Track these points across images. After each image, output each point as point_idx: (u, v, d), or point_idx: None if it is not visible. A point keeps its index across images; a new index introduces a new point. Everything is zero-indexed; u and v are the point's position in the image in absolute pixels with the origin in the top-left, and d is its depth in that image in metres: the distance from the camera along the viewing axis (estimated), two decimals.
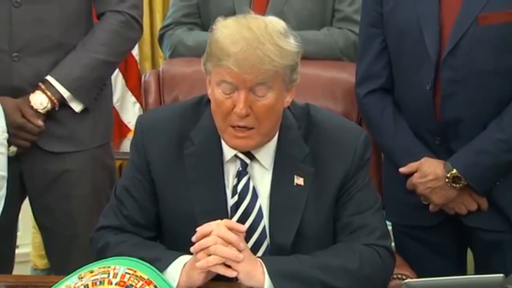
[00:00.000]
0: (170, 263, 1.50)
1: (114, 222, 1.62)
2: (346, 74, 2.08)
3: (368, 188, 1.62)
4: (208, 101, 1.60)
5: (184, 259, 1.51)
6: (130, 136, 3.12)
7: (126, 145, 3.10)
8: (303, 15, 2.19)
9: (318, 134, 1.60)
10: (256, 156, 1.58)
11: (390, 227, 2.03)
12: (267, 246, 1.57)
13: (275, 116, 1.54)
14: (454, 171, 1.82)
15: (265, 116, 1.51)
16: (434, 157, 1.87)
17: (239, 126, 1.51)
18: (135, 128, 1.67)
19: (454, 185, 1.83)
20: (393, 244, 2.02)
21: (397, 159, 1.91)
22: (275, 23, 1.53)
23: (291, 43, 1.52)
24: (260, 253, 1.56)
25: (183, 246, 1.53)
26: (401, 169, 1.90)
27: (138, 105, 3.18)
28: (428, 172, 1.85)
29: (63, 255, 2.06)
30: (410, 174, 1.89)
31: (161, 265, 1.48)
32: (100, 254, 1.57)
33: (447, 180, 1.83)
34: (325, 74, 2.12)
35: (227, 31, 1.50)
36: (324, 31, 2.21)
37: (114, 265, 1.41)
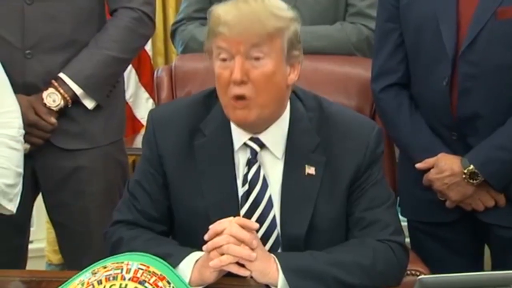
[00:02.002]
0: (182, 259, 1.50)
1: (127, 216, 1.62)
2: (359, 69, 2.07)
3: (382, 183, 1.61)
4: None
5: (196, 255, 1.51)
6: (143, 131, 3.13)
7: (139, 141, 3.09)
8: (316, 10, 2.18)
9: (331, 126, 1.60)
10: (266, 144, 1.58)
11: (405, 223, 2.03)
12: (277, 237, 1.57)
13: (274, 87, 1.53)
14: (471, 167, 1.81)
15: (263, 85, 1.51)
16: (451, 153, 1.86)
17: (237, 96, 1.51)
18: (147, 123, 1.68)
19: (471, 181, 1.82)
20: (407, 240, 2.01)
21: (414, 155, 1.90)
22: (273, 0, 1.56)
23: (286, 11, 1.55)
24: (269, 244, 1.56)
25: (195, 239, 1.53)
26: (418, 165, 1.88)
27: (151, 100, 3.18)
28: (445, 168, 1.83)
29: (77, 251, 2.07)
30: (427, 170, 1.87)
31: (173, 261, 1.48)
32: (114, 248, 1.58)
33: (464, 176, 1.82)
34: (339, 69, 2.11)
35: (223, 6, 1.54)
36: (337, 26, 2.20)
37: (128, 260, 1.41)
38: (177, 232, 1.65)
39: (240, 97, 1.51)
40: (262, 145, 1.59)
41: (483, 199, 1.84)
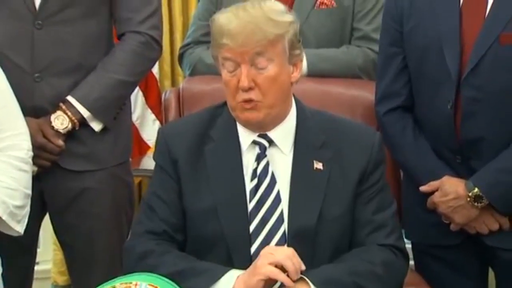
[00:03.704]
0: (224, 273, 1.53)
1: (150, 227, 1.65)
2: (365, 92, 2.09)
3: (387, 190, 1.68)
4: (226, 102, 1.66)
5: (237, 271, 1.54)
6: (150, 153, 3.15)
7: (145, 162, 3.12)
8: (322, 33, 2.20)
9: (335, 127, 1.68)
10: (274, 140, 1.64)
11: (409, 246, 2.03)
12: (284, 232, 1.59)
13: (280, 87, 1.61)
14: (476, 190, 1.81)
15: (269, 88, 1.59)
16: (455, 176, 1.86)
17: (245, 101, 1.58)
18: (157, 138, 1.74)
19: (475, 204, 1.82)
20: (412, 262, 2.02)
21: (418, 178, 1.91)
22: (270, 4, 1.63)
23: (285, 16, 1.61)
24: (276, 239, 1.59)
25: (204, 244, 1.59)
26: (422, 188, 1.89)
27: (158, 122, 3.19)
28: (449, 191, 1.84)
29: (84, 272, 2.07)
30: (431, 193, 1.88)
31: (214, 275, 1.52)
32: (141, 259, 1.59)
33: (468, 199, 1.82)
34: (345, 91, 2.13)
35: (224, 14, 1.61)
36: (343, 49, 2.21)
37: (136, 281, 1.43)
38: (188, 238, 1.66)
39: (248, 100, 1.58)
40: (270, 141, 1.64)
41: (488, 222, 1.84)
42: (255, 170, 1.63)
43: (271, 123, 1.64)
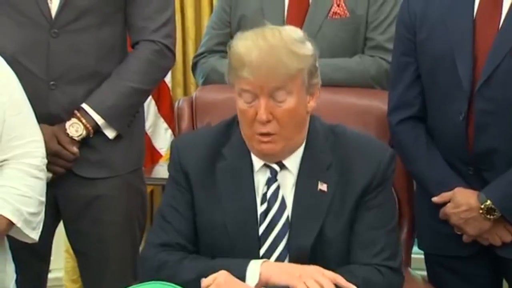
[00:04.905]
0: (247, 264, 1.53)
1: (165, 239, 1.64)
2: (378, 102, 2.08)
3: (387, 206, 1.64)
4: (237, 117, 1.64)
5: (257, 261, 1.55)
6: (162, 162, 3.16)
7: (157, 171, 3.13)
8: (335, 43, 2.20)
9: (345, 146, 1.64)
10: (286, 164, 1.63)
11: (422, 256, 2.02)
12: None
13: (298, 120, 1.59)
14: (488, 202, 1.80)
15: (287, 121, 1.56)
16: (467, 187, 1.86)
17: (262, 134, 1.56)
18: (171, 150, 1.73)
19: (488, 216, 1.81)
20: (424, 273, 2.01)
21: (430, 189, 1.90)
22: (290, 30, 1.59)
23: (305, 47, 1.57)
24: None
25: (213, 253, 1.59)
26: (434, 199, 1.88)
27: (170, 131, 3.20)
28: (461, 202, 1.83)
29: (96, 279, 2.08)
30: (444, 204, 1.87)
31: (241, 266, 1.53)
32: (158, 272, 1.59)
33: (481, 211, 1.81)
34: (358, 101, 2.12)
35: (243, 42, 1.57)
36: (356, 58, 2.21)
37: None
38: (200, 250, 1.66)
39: (266, 134, 1.56)
40: (282, 166, 1.63)
41: (501, 234, 1.83)
42: (265, 195, 1.61)
43: (286, 153, 1.62)
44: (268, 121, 1.55)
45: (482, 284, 1.93)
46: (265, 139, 1.56)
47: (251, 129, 1.57)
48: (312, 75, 1.59)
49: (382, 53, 2.19)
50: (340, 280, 1.52)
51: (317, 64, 1.60)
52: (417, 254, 2.08)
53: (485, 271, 1.92)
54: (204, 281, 1.52)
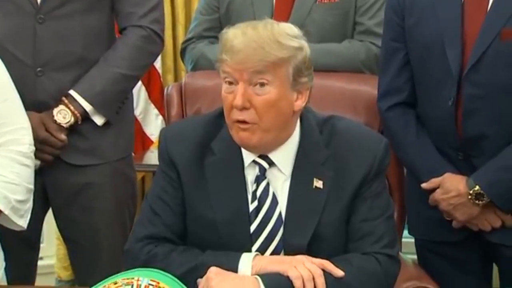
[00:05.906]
0: (239, 258, 1.53)
1: (152, 231, 1.62)
2: (368, 87, 2.08)
3: (382, 195, 1.63)
4: None
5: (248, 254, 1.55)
6: (153, 148, 3.15)
7: (148, 157, 3.12)
8: (325, 28, 2.19)
9: (340, 140, 1.62)
10: (275, 161, 1.60)
11: (412, 240, 2.03)
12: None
13: (278, 113, 1.55)
14: (477, 188, 1.80)
15: (265, 110, 1.53)
16: (457, 172, 1.86)
17: (239, 121, 1.54)
18: (159, 139, 1.71)
19: (477, 202, 1.81)
20: (415, 257, 2.02)
21: (420, 174, 1.90)
22: (285, 26, 1.57)
23: (293, 41, 1.55)
24: None
25: (203, 249, 1.57)
26: (423, 185, 1.88)
27: (160, 117, 3.19)
28: (450, 188, 1.83)
29: (87, 267, 2.08)
30: (433, 190, 1.87)
31: (232, 260, 1.52)
32: (148, 265, 1.56)
33: (469, 197, 1.81)
34: (347, 86, 2.12)
35: (233, 30, 1.56)
36: (346, 43, 2.21)
37: (138, 276, 1.42)
38: (188, 244, 1.65)
39: (242, 121, 1.55)
40: (271, 163, 1.61)
41: (490, 220, 1.84)
42: (254, 192, 1.59)
43: (269, 147, 1.59)
44: (245, 108, 1.53)
45: (472, 269, 1.94)
46: (242, 126, 1.54)
47: (230, 116, 1.56)
48: (300, 72, 1.55)
49: (371, 37, 2.18)
50: (328, 265, 1.52)
51: (308, 64, 1.57)
52: (408, 238, 2.08)
53: (475, 256, 1.93)
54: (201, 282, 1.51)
